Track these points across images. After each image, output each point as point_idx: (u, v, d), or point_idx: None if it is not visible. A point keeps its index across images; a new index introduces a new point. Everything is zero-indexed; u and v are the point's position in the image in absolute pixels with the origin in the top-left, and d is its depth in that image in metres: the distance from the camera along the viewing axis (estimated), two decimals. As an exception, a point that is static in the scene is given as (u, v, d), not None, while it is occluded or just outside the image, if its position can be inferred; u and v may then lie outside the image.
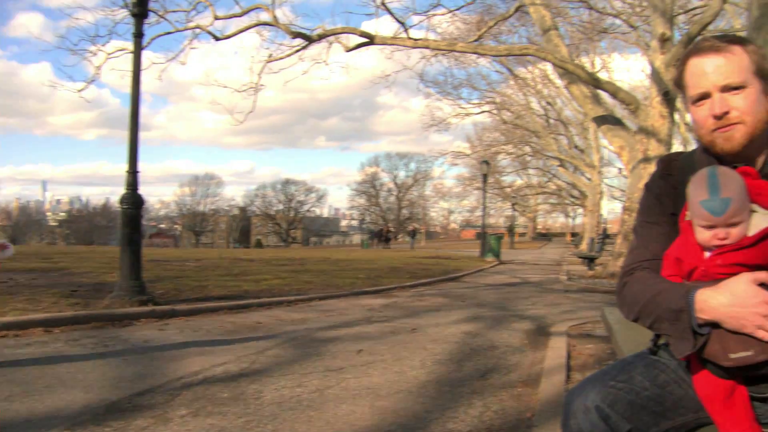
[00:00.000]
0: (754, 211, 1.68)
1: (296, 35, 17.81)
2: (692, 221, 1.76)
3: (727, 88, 1.76)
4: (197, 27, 18.42)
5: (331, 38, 18.61)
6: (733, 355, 1.62)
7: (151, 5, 10.22)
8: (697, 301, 1.65)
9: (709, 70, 1.78)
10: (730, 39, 1.83)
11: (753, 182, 1.71)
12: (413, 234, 54.26)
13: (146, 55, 19.51)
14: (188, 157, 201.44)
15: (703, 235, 1.72)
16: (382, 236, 55.22)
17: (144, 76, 10.82)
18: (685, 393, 1.80)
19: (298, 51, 18.51)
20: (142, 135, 9.04)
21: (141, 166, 8.73)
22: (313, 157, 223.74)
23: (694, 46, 1.85)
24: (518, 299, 11.85)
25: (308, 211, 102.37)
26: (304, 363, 5.67)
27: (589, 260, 21.02)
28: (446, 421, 4.06)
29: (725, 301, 1.60)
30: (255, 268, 15.39)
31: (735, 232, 1.66)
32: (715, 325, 1.64)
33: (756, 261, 1.64)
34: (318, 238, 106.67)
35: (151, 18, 14.97)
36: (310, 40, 17.96)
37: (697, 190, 1.73)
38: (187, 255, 21.25)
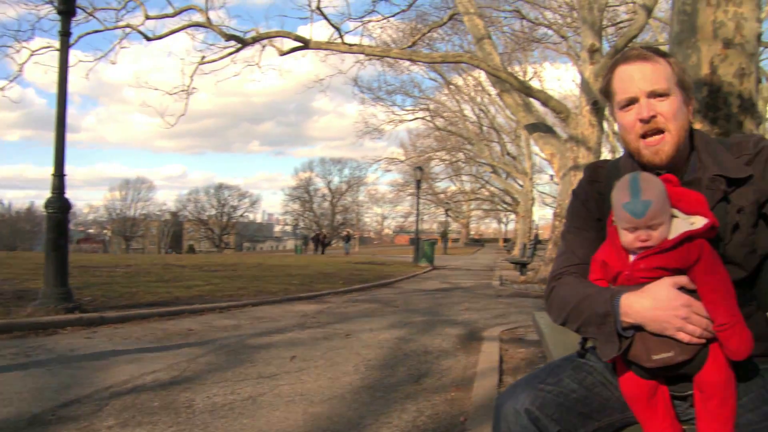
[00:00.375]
0: (675, 217, 1.74)
1: (230, 38, 17.62)
2: (617, 225, 1.82)
3: (653, 94, 1.82)
4: (128, 26, 18.04)
5: (265, 42, 18.47)
6: (655, 357, 1.68)
7: (79, 2, 9.94)
8: (621, 305, 1.70)
9: (637, 76, 1.83)
10: (654, 50, 1.90)
11: (674, 189, 1.77)
12: (348, 239, 54.20)
13: (74, 54, 18.96)
14: (119, 161, 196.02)
15: (626, 238, 1.77)
16: (319, 241, 54.88)
17: (72, 75, 10.53)
18: (611, 394, 1.85)
19: (231, 54, 18.32)
20: (70, 137, 8.84)
21: (68, 168, 8.49)
22: (246, 161, 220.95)
23: (622, 55, 1.92)
24: (451, 304, 11.95)
25: (241, 216, 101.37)
26: (236, 370, 5.59)
27: (521, 265, 21.40)
28: (380, 427, 4.06)
29: (648, 304, 1.66)
30: (187, 274, 15.13)
31: (656, 235, 1.71)
32: (638, 327, 1.70)
33: (676, 264, 1.69)
34: (251, 244, 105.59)
35: (79, 15, 14.58)
36: (243, 43, 17.79)
37: (619, 194, 1.78)
38: (116, 261, 20.75)
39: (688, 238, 1.68)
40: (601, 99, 15.22)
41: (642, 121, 1.82)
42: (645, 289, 1.69)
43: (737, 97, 4.75)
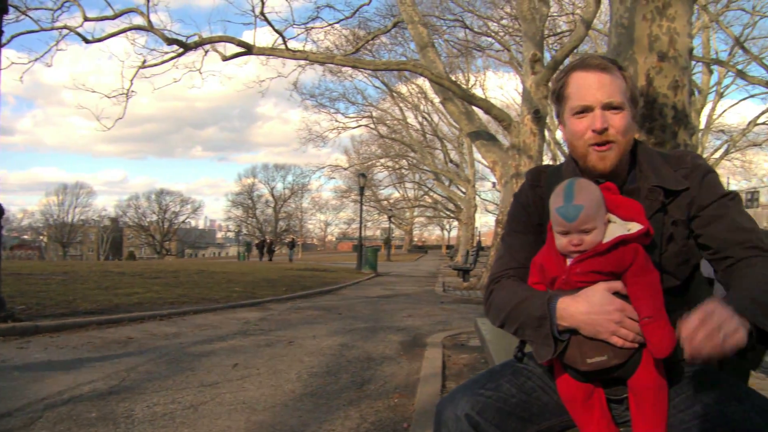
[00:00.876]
0: (612, 222, 1.79)
1: (172, 42, 17.35)
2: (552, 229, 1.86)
3: (608, 106, 1.85)
4: (65, 27, 17.61)
5: (208, 47, 18.27)
6: (589, 360, 1.72)
7: (12, 0, 9.63)
8: (558, 308, 1.74)
9: (596, 86, 1.86)
10: (612, 61, 1.93)
11: (613, 197, 1.82)
12: (292, 245, 53.71)
13: (6, 54, 18.42)
14: (56, 165, 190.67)
15: (560, 241, 1.81)
16: (264, 248, 53.91)
17: (5, 77, 10.19)
18: (550, 399, 1.88)
19: (173, 58, 18.06)
20: (4, 139, 8.56)
21: (2, 172, 8.24)
22: (189, 167, 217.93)
23: (581, 60, 1.93)
24: (394, 311, 11.98)
25: (183, 222, 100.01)
26: (177, 378, 5.50)
27: (464, 272, 21.58)
28: (323, 435, 4.05)
29: (583, 309, 1.70)
30: (126, 281, 14.79)
31: (588, 239, 1.75)
32: (574, 331, 1.73)
33: (611, 268, 1.73)
34: (193, 250, 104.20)
35: (12, 14, 14.16)
36: (186, 47, 17.54)
37: (554, 199, 1.83)
38: (52, 268, 20.16)
39: (622, 242, 1.72)
40: (542, 104, 15.53)
41: (595, 131, 1.85)
42: (580, 293, 1.73)
43: (672, 108, 4.89)
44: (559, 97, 1.97)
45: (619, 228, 1.77)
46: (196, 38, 17.78)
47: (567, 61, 19.46)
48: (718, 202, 1.86)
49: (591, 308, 1.69)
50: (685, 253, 1.89)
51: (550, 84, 18.10)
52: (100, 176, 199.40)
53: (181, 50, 17.67)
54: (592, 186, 1.82)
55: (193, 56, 18.50)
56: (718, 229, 1.84)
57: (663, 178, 1.90)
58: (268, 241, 56.72)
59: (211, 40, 17.85)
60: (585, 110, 1.87)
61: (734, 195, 1.90)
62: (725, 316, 1.45)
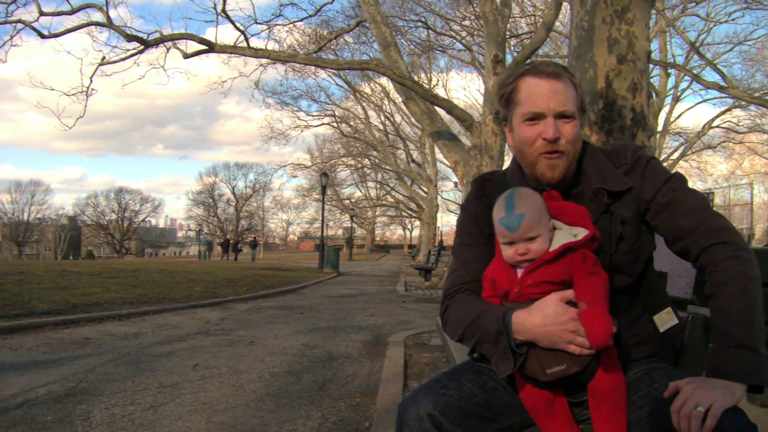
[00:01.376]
0: (558, 229, 1.81)
1: (131, 38, 17.03)
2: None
3: (561, 115, 1.85)
4: (20, 21, 17.19)
5: (169, 44, 18.02)
6: (549, 370, 1.74)
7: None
8: (513, 323, 1.75)
9: (548, 93, 1.85)
10: (564, 68, 1.93)
11: (557, 203, 1.85)
12: (254, 245, 53.20)
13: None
14: (11, 161, 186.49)
15: (506, 252, 1.83)
16: (229, 247, 52.86)
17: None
18: (512, 398, 1.90)
19: (133, 55, 17.75)
20: (-44, 137, 8.32)
21: (-46, 170, 8.03)
22: (149, 165, 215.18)
23: (532, 66, 1.91)
24: (356, 310, 11.98)
25: (143, 221, 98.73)
26: (137, 380, 5.43)
27: (426, 271, 21.65)
28: (285, 435, 4.03)
29: (538, 321, 1.71)
30: (85, 281, 14.53)
31: (534, 248, 1.78)
32: (532, 344, 1.75)
33: (562, 277, 1.76)
34: (154, 249, 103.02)
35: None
36: (146, 44, 17.26)
37: (496, 210, 1.86)
38: (7, 267, 19.73)
39: (569, 249, 1.75)
40: (500, 103, 15.65)
41: (546, 140, 1.84)
42: (534, 306, 1.74)
43: (630, 110, 4.97)
44: (508, 101, 1.95)
45: (565, 234, 1.79)
46: (156, 35, 17.53)
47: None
48: (664, 189, 1.88)
49: (545, 320, 1.70)
50: (636, 251, 1.91)
51: (495, 87, 18.35)
52: (58, 174, 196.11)
53: (142, 47, 17.37)
54: (531, 193, 1.84)
55: (155, 53, 18.19)
56: (671, 216, 1.85)
57: (606, 180, 1.91)
58: (232, 240, 55.88)
59: (172, 37, 17.59)
60: (537, 117, 1.86)
61: (678, 176, 1.92)
62: (704, 387, 1.52)
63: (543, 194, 1.87)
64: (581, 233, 1.77)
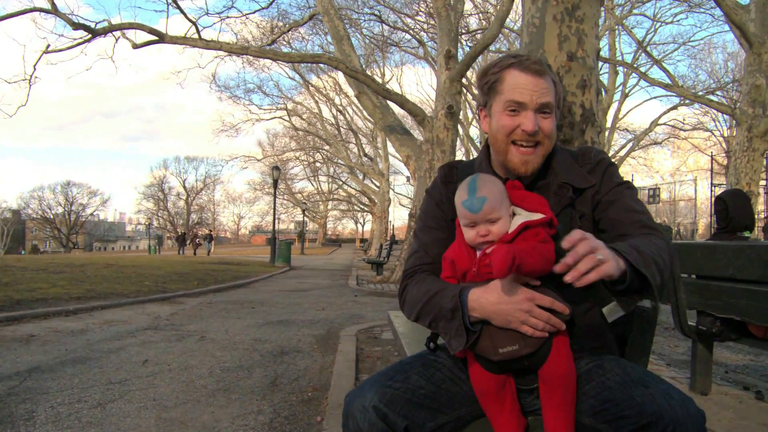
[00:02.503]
0: (518, 215, 1.86)
1: (78, 26, 16.64)
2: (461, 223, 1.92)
3: (541, 109, 1.93)
4: (-44, 6, 16.62)
5: (118, 33, 17.68)
6: (501, 350, 1.78)
7: None
8: (469, 300, 1.79)
9: (532, 87, 1.92)
10: (548, 66, 2.00)
11: (519, 192, 1.91)
12: (211, 239, 52.37)
13: None
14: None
15: (468, 234, 1.87)
16: (187, 241, 51.35)
17: None
18: (459, 389, 1.93)
19: (80, 44, 17.36)
20: None
21: None
22: (98, 157, 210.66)
23: (518, 60, 1.96)
24: (308, 304, 11.94)
25: (91, 215, 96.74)
26: (83, 377, 5.33)
27: (378, 265, 21.68)
28: (236, 429, 4.01)
29: (493, 299, 1.75)
30: (29, 276, 14.19)
31: (495, 229, 1.82)
32: (486, 322, 1.79)
33: None
34: (102, 244, 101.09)
35: None
36: (94, 33, 16.89)
37: (459, 194, 1.91)
38: (-54, 262, 19.19)
39: (527, 227, 1.80)
40: (456, 100, 15.75)
41: (526, 131, 1.91)
42: (491, 284, 1.78)
43: (580, 106, 5.04)
44: (490, 89, 2.01)
45: (524, 219, 1.84)
46: (105, 24, 17.17)
47: (480, 59, 19.80)
48: (614, 190, 1.99)
49: (501, 298, 1.74)
50: None
51: (470, 75, 18.24)
52: (0, 166, 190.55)
53: (89, 36, 17.00)
54: (493, 179, 1.91)
55: (103, 42, 17.85)
56: (613, 212, 1.96)
57: (571, 176, 2.00)
58: (190, 233, 54.39)
59: (121, 27, 17.25)
60: (518, 107, 1.93)
61: (630, 184, 2.04)
62: (601, 244, 1.55)
63: (506, 183, 1.93)
64: (539, 217, 1.83)
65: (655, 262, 1.70)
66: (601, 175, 2.01)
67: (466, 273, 1.88)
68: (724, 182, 29.22)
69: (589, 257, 1.50)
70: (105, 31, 17.11)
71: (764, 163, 17.46)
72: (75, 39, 17.37)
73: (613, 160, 2.12)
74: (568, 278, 1.52)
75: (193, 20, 17.29)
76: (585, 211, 2.00)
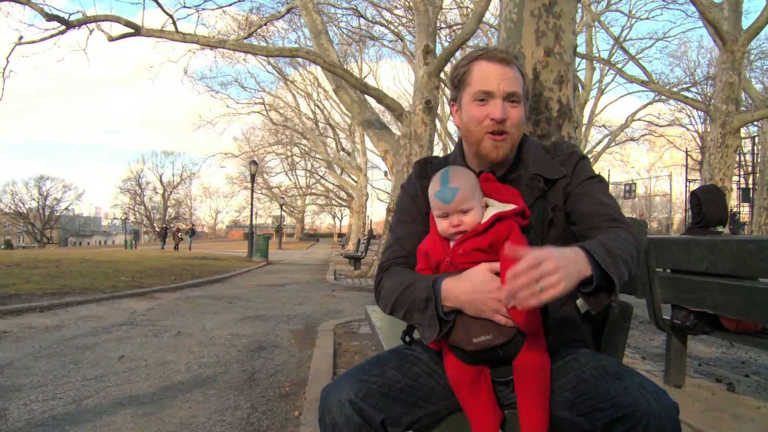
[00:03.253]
0: (491, 206, 1.89)
1: (51, 18, 16.34)
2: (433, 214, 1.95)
3: (509, 98, 1.95)
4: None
5: (93, 25, 17.44)
6: (475, 339, 1.78)
7: None
8: (442, 290, 1.80)
9: (499, 76, 1.94)
10: (515, 56, 2.03)
11: (492, 184, 1.95)
12: (193, 233, 51.63)
13: None
14: None
15: (441, 225, 1.91)
16: (171, 235, 50.27)
17: None
18: (436, 383, 1.94)
19: (54, 36, 17.09)
20: None
21: None
22: (72, 151, 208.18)
23: (485, 51, 2.00)
24: (286, 299, 11.91)
25: (66, 209, 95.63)
26: (58, 374, 5.28)
27: (356, 260, 21.69)
28: (213, 425, 4.00)
29: (467, 288, 1.76)
30: (2, 272, 14.01)
31: (468, 220, 1.85)
32: (460, 312, 1.80)
33: (490, 243, 1.82)
34: (77, 239, 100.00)
35: None
36: (68, 24, 16.61)
37: (432, 186, 1.95)
38: None
39: (499, 218, 1.82)
40: (434, 95, 15.76)
41: (494, 119, 1.93)
42: (464, 274, 1.80)
43: (557, 102, 5.08)
44: (459, 82, 2.04)
45: (496, 210, 1.86)
46: (79, 16, 16.92)
47: (459, 54, 19.84)
48: (584, 183, 2.01)
49: (474, 288, 1.75)
50: (566, 238, 2.00)
51: (448, 70, 18.25)
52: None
53: (63, 28, 16.74)
54: (465, 171, 1.95)
55: (78, 34, 17.62)
56: (583, 205, 1.98)
57: (542, 167, 2.02)
58: (173, 228, 53.34)
59: (96, 19, 17.00)
60: (486, 97, 1.95)
61: (600, 178, 2.06)
62: (551, 268, 1.50)
63: (479, 176, 1.96)
64: (512, 208, 1.85)
65: (624, 260, 1.72)
66: (572, 167, 2.04)
67: (440, 264, 1.90)
68: (699, 178, 29.59)
69: (525, 292, 1.50)
70: (79, 23, 16.85)
71: (737, 159, 17.68)
72: (48, 30, 17.09)
73: (589, 155, 2.16)
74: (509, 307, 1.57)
75: (170, 13, 17.11)
76: (557, 202, 2.02)
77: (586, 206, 1.97)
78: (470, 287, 1.76)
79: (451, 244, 1.89)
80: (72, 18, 16.67)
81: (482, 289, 1.74)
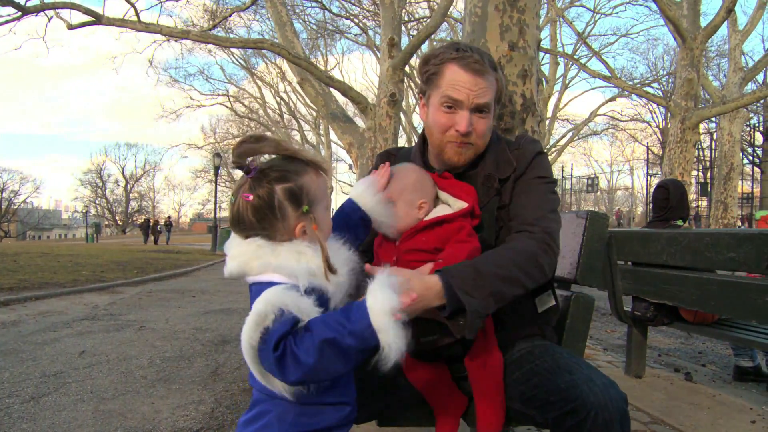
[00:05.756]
0: (443, 203, 1.91)
1: (6, 3, 15.92)
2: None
3: (477, 110, 1.93)
4: None
5: (51, 12, 17.07)
6: (423, 339, 1.79)
7: None
8: None
9: (469, 86, 1.92)
10: (491, 63, 1.99)
11: (448, 181, 1.95)
12: (170, 226, 50.53)
13: None
14: None
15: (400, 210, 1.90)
16: (148, 228, 48.90)
17: None
18: (399, 372, 1.94)
19: (9, 22, 16.66)
20: None
21: None
22: (31, 142, 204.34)
23: (461, 55, 1.95)
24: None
25: (24, 202, 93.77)
26: (15, 370, 5.18)
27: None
28: (177, 420, 3.97)
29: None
30: (-43, 265, 13.76)
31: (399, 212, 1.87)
32: None
33: (435, 245, 1.83)
34: (36, 232, 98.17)
35: None
36: (24, 10, 16.16)
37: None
38: None
39: (445, 220, 1.83)
40: (398, 88, 15.78)
41: (458, 132, 1.92)
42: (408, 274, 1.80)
43: (521, 96, 5.11)
44: (429, 80, 2.02)
45: (446, 208, 1.88)
46: (36, 2, 16.53)
47: (425, 47, 19.88)
48: (529, 180, 2.00)
49: (420, 289, 1.76)
50: None
51: (414, 63, 18.22)
52: None
53: (19, 14, 16.32)
54: (412, 169, 1.96)
55: (36, 21, 17.24)
56: (517, 203, 1.98)
57: (498, 167, 2.02)
58: (153, 221, 51.76)
59: (54, 6, 16.59)
60: (454, 105, 1.93)
61: (549, 179, 2.03)
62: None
63: (435, 174, 1.97)
64: (462, 206, 1.86)
65: (504, 278, 1.73)
66: (525, 161, 2.02)
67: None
68: (659, 172, 30.06)
69: None
70: (36, 10, 16.43)
71: (696, 154, 18.00)
72: (2, 16, 16.63)
73: (553, 149, 2.16)
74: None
75: (132, 2, 16.82)
76: (504, 201, 2.01)
77: (515, 207, 1.97)
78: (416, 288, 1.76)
79: (397, 242, 1.89)
80: (28, 4, 16.26)
81: (427, 290, 1.74)
